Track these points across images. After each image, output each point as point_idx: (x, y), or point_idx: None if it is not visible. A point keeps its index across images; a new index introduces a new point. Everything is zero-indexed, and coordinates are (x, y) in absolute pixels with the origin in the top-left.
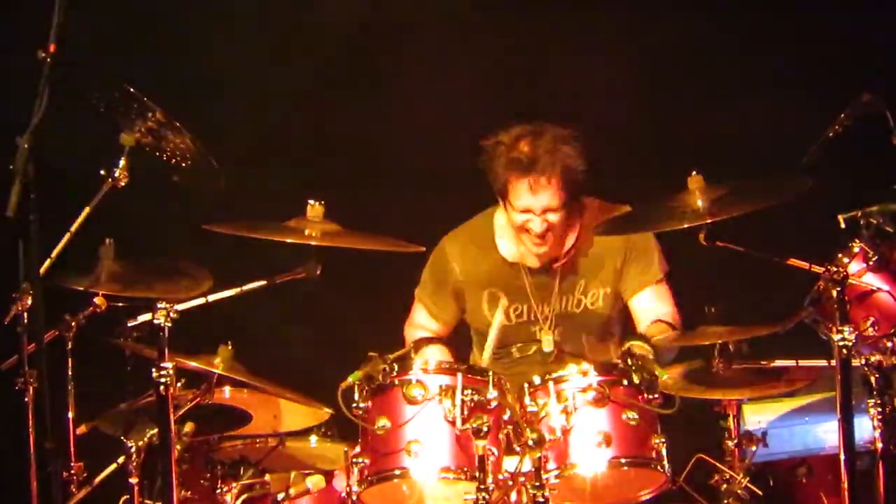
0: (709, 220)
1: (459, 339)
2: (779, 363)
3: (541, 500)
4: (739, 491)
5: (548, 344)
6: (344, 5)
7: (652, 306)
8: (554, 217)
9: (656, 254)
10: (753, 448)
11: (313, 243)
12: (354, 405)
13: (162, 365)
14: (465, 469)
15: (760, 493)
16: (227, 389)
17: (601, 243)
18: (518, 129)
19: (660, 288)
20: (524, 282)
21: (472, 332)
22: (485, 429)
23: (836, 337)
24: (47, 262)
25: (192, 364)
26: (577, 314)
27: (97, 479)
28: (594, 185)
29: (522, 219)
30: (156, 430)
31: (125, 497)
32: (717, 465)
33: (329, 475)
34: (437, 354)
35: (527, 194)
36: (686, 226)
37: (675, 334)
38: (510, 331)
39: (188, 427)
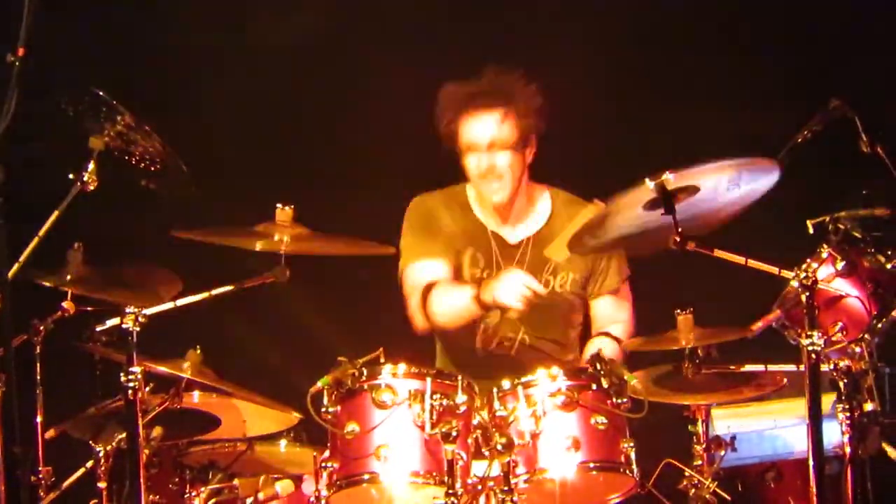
0: (673, 244)
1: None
2: (748, 368)
3: None
4: (708, 496)
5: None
6: (315, 9)
7: (613, 310)
8: (501, 158)
9: (621, 260)
10: (722, 453)
11: (282, 250)
12: (324, 410)
13: (130, 369)
14: (434, 473)
15: (729, 497)
16: (195, 394)
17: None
18: (462, 81)
19: (623, 290)
20: (494, 250)
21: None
22: (454, 433)
23: (805, 342)
24: (15, 267)
25: (161, 368)
26: (544, 295)
27: (65, 484)
28: (565, 184)
29: (473, 162)
30: (124, 435)
31: (94, 501)
32: (686, 469)
33: (298, 479)
34: (448, 289)
35: (472, 127)
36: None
37: (639, 340)
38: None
39: (156, 431)
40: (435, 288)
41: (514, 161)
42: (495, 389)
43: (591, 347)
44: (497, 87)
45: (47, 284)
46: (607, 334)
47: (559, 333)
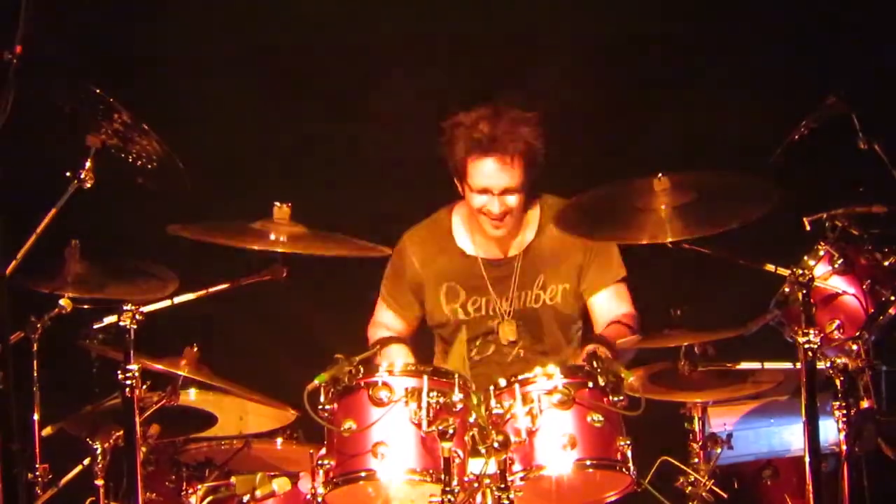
0: (669, 241)
1: (425, 341)
2: (744, 365)
3: (506, 502)
4: (704, 493)
5: (510, 333)
6: (316, 8)
7: (611, 306)
8: (512, 199)
9: (616, 254)
10: (718, 450)
11: (279, 249)
12: (320, 407)
13: (127, 367)
14: (431, 471)
15: (725, 495)
16: (192, 391)
17: (561, 240)
18: (478, 110)
19: (619, 288)
20: (482, 275)
21: (434, 332)
22: (450, 431)
23: (801, 339)
24: (13, 264)
25: (158, 366)
26: (535, 309)
27: (63, 481)
28: (556, 185)
29: (481, 201)
30: (121, 432)
31: (91, 499)
32: (683, 467)
33: (295, 477)
34: (398, 354)
35: (485, 174)
36: (645, 241)
37: (637, 337)
38: (469, 325)
39: (154, 429)
40: (388, 347)
41: (520, 200)
42: (492, 387)
43: (604, 332)
44: (508, 132)
45: (45, 290)
46: (619, 322)
47: (555, 347)
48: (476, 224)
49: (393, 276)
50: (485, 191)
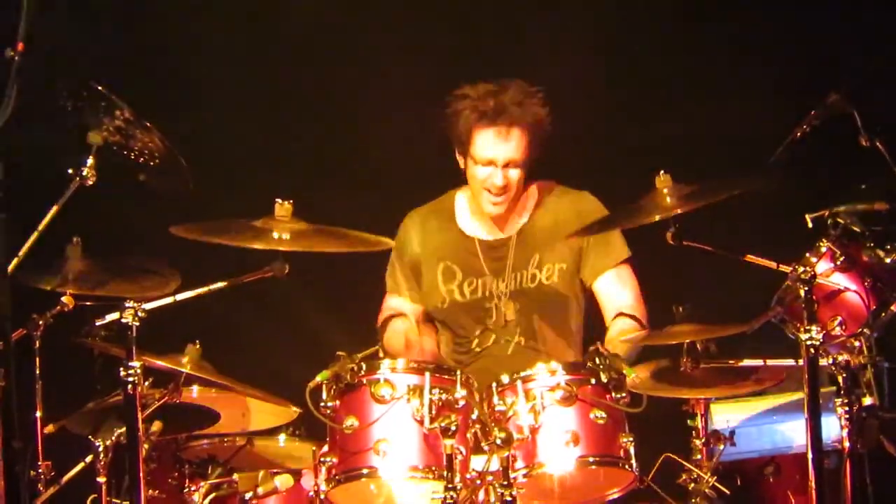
0: (678, 211)
1: None
2: (746, 362)
3: (508, 499)
4: (707, 490)
5: (510, 313)
6: (318, 4)
7: (615, 291)
8: (515, 173)
9: (617, 236)
10: (721, 447)
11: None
12: (322, 404)
13: (130, 364)
14: (433, 468)
15: (728, 492)
16: (194, 388)
17: (556, 220)
18: (485, 84)
19: (622, 271)
20: (478, 255)
21: (436, 321)
22: (453, 428)
23: (803, 336)
24: (15, 261)
25: (160, 363)
26: (531, 290)
27: (65, 479)
28: (558, 178)
29: (484, 172)
30: (123, 430)
31: (93, 496)
32: (685, 464)
33: (297, 474)
34: (400, 326)
35: (491, 145)
36: (658, 218)
37: (642, 334)
38: (465, 307)
39: (156, 426)
40: (389, 324)
41: (521, 176)
42: (494, 384)
43: (614, 329)
44: (516, 103)
45: (47, 288)
46: (625, 315)
47: (556, 331)
48: (479, 205)
49: (396, 260)
50: (489, 162)
